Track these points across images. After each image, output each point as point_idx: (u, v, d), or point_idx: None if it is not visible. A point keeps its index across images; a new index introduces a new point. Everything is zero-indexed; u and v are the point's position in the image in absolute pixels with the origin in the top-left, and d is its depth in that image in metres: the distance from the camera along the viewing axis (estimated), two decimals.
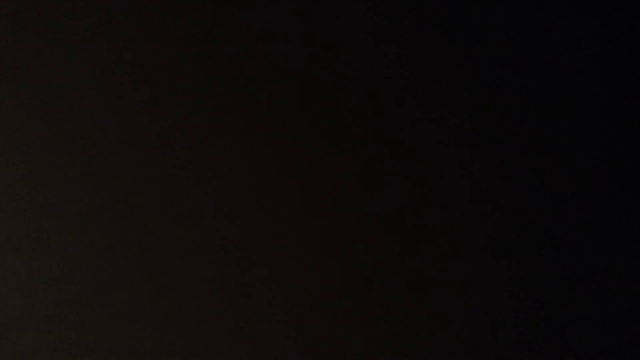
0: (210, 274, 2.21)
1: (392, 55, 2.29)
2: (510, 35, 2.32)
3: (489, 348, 2.26)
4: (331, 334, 2.23)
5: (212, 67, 2.24)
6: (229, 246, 2.21)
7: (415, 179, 2.27)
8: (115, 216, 2.19)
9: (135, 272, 2.19)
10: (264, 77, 2.25)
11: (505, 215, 2.29)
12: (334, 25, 2.28)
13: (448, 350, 2.26)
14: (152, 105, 2.22)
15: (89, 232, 2.18)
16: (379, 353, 2.24)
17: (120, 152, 2.21)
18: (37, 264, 2.17)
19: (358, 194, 2.26)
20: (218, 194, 2.22)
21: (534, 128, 2.31)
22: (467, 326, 2.26)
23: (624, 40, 2.34)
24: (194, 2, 2.25)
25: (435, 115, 2.29)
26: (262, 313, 2.21)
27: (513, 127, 2.30)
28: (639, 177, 2.31)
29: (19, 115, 2.19)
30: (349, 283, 2.24)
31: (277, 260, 2.23)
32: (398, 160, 2.27)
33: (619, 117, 2.33)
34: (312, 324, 2.22)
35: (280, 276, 2.23)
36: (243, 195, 2.23)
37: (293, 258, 2.23)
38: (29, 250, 2.17)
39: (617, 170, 2.32)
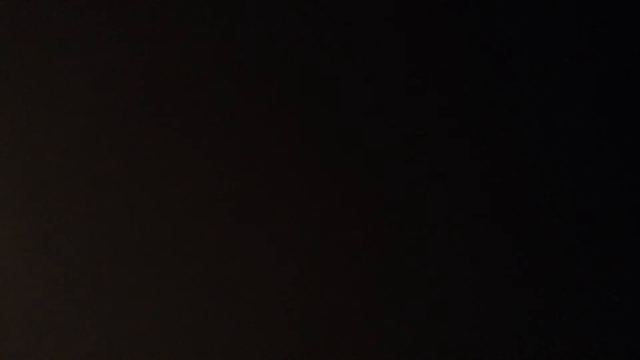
0: (211, 274, 2.21)
1: (393, 54, 2.29)
2: (514, 34, 2.32)
3: (490, 348, 2.27)
4: (331, 334, 2.23)
5: (212, 67, 2.24)
6: (229, 246, 2.22)
7: (417, 178, 2.27)
8: (116, 216, 2.20)
9: (136, 272, 2.19)
10: (264, 76, 2.26)
11: (505, 215, 2.29)
12: (334, 25, 2.28)
13: (448, 351, 2.26)
14: (152, 105, 2.22)
15: (89, 232, 2.19)
16: (379, 353, 2.24)
17: (121, 152, 2.21)
18: (38, 264, 2.17)
19: (358, 193, 2.26)
20: (218, 193, 2.22)
21: (534, 128, 2.31)
22: (467, 326, 2.26)
23: (624, 41, 2.34)
24: (194, 2, 2.25)
25: (436, 115, 2.29)
26: (262, 313, 2.21)
27: (513, 127, 2.31)
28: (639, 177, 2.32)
29: (19, 115, 2.19)
30: (349, 283, 2.24)
31: (277, 259, 2.23)
32: (399, 160, 2.27)
33: (619, 117, 2.33)
34: (312, 324, 2.23)
35: (281, 276, 2.23)
36: (244, 194, 2.23)
37: (293, 258, 2.23)
38: (29, 251, 2.17)
39: (617, 171, 2.32)
